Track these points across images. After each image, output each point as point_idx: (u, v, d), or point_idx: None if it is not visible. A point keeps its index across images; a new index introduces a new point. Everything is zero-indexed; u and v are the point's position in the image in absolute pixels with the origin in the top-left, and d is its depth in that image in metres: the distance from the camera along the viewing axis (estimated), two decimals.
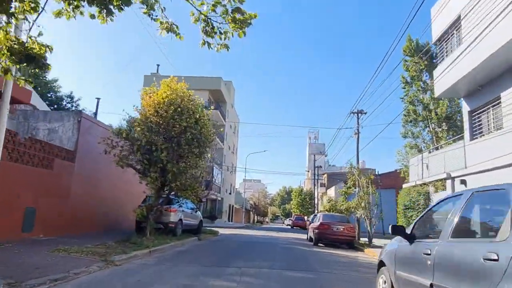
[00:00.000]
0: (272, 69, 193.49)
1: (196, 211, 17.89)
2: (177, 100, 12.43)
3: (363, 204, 16.44)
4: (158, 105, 12.26)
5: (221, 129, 45.16)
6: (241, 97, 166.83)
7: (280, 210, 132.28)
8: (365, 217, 16.31)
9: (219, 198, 46.69)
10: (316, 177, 52.32)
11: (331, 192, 56.69)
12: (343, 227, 16.11)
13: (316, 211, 60.92)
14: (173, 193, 14.44)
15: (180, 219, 15.54)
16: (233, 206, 60.30)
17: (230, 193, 55.73)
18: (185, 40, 4.88)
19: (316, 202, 59.55)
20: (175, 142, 12.17)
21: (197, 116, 12.71)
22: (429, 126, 28.11)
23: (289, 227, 54.42)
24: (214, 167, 42.07)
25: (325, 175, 61.71)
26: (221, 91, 44.84)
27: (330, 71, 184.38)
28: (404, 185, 21.30)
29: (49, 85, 34.54)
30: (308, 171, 68.01)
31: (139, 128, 12.14)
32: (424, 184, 18.25)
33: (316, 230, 16.28)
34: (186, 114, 12.31)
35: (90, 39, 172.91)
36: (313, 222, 18.64)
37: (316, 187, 55.41)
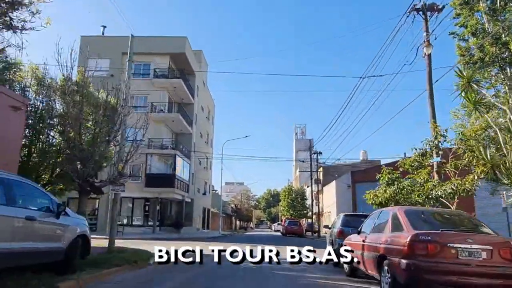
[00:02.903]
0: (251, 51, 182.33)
1: (58, 215, 6.67)
2: None
3: None
4: None
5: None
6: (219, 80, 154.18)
7: (265, 215, 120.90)
8: None
9: (188, 200, 35.11)
10: (316, 164, 41.65)
11: (330, 188, 46.10)
12: (486, 247, 5.23)
13: (310, 213, 50.31)
14: None
15: None
16: (209, 210, 48.79)
17: (204, 194, 44.25)
18: None
19: (311, 202, 48.92)
20: None
21: None
22: (504, 69, 17.65)
23: (280, 234, 43.36)
24: (178, 156, 30.67)
25: (321, 169, 50.99)
26: (186, 56, 33.42)
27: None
28: None
29: None
30: (301, 161, 56.96)
31: None
32: None
33: (405, 262, 5.24)
34: None
35: None
36: (362, 232, 7.47)
37: (312, 182, 44.67)
